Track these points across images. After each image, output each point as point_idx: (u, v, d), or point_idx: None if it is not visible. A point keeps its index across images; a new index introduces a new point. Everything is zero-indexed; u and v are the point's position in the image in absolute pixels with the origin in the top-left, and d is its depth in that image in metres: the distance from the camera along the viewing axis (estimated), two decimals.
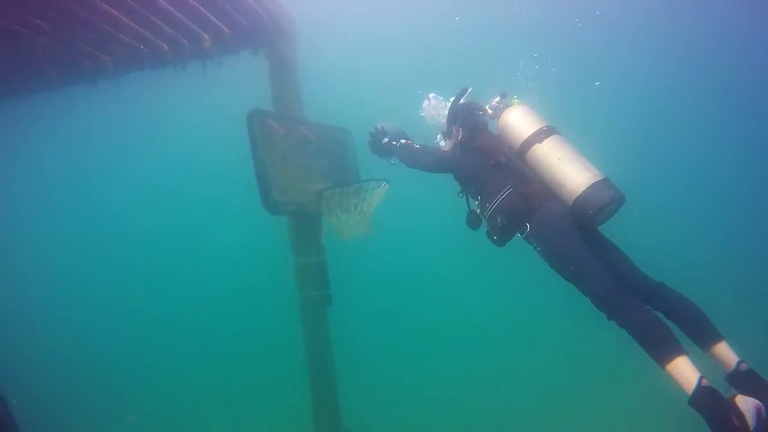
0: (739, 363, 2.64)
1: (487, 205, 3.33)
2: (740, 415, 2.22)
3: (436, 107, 4.00)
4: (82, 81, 5.87)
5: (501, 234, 3.27)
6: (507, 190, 3.21)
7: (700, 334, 2.77)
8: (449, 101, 3.82)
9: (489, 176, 3.36)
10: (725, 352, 2.70)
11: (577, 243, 2.95)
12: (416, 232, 15.87)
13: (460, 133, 3.61)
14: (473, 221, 3.57)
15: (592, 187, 2.90)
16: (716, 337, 2.74)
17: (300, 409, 5.76)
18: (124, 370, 12.60)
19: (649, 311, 2.73)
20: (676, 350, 2.51)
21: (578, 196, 2.91)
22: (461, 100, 3.70)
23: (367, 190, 5.21)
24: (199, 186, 18.48)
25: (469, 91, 3.75)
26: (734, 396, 2.37)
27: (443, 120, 3.83)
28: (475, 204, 3.53)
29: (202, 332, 14.65)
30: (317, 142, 5.53)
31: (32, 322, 14.15)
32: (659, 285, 2.97)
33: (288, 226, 5.53)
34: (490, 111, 3.53)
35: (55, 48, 5.17)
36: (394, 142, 4.07)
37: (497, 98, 3.50)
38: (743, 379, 2.58)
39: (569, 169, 2.99)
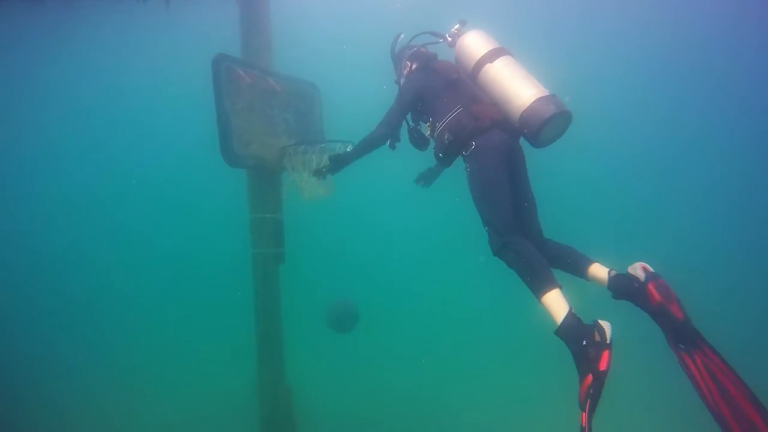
0: (609, 271, 2.92)
1: (437, 124, 3.44)
2: (602, 331, 2.52)
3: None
4: None
5: (446, 151, 3.36)
6: (457, 109, 3.33)
7: (576, 264, 3.07)
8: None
9: (441, 95, 3.47)
10: (599, 270, 2.97)
11: (502, 177, 3.12)
12: (378, 197, 15.83)
13: (412, 65, 3.79)
14: (417, 140, 3.68)
15: (538, 101, 3.05)
16: (588, 261, 3.04)
17: (244, 367, 5.75)
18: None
19: (533, 248, 2.97)
20: (552, 282, 2.76)
21: (524, 110, 3.07)
22: (397, 47, 3.90)
23: (332, 151, 5.10)
24: (153, 134, 17.51)
25: (401, 36, 3.92)
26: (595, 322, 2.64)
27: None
28: (425, 127, 3.62)
29: (148, 288, 14.24)
30: (284, 95, 5.34)
31: None
32: (547, 240, 3.25)
33: (246, 180, 5.37)
34: (449, 38, 3.62)
35: None
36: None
37: (456, 26, 3.59)
38: (618, 283, 2.84)
39: (517, 86, 3.15)
